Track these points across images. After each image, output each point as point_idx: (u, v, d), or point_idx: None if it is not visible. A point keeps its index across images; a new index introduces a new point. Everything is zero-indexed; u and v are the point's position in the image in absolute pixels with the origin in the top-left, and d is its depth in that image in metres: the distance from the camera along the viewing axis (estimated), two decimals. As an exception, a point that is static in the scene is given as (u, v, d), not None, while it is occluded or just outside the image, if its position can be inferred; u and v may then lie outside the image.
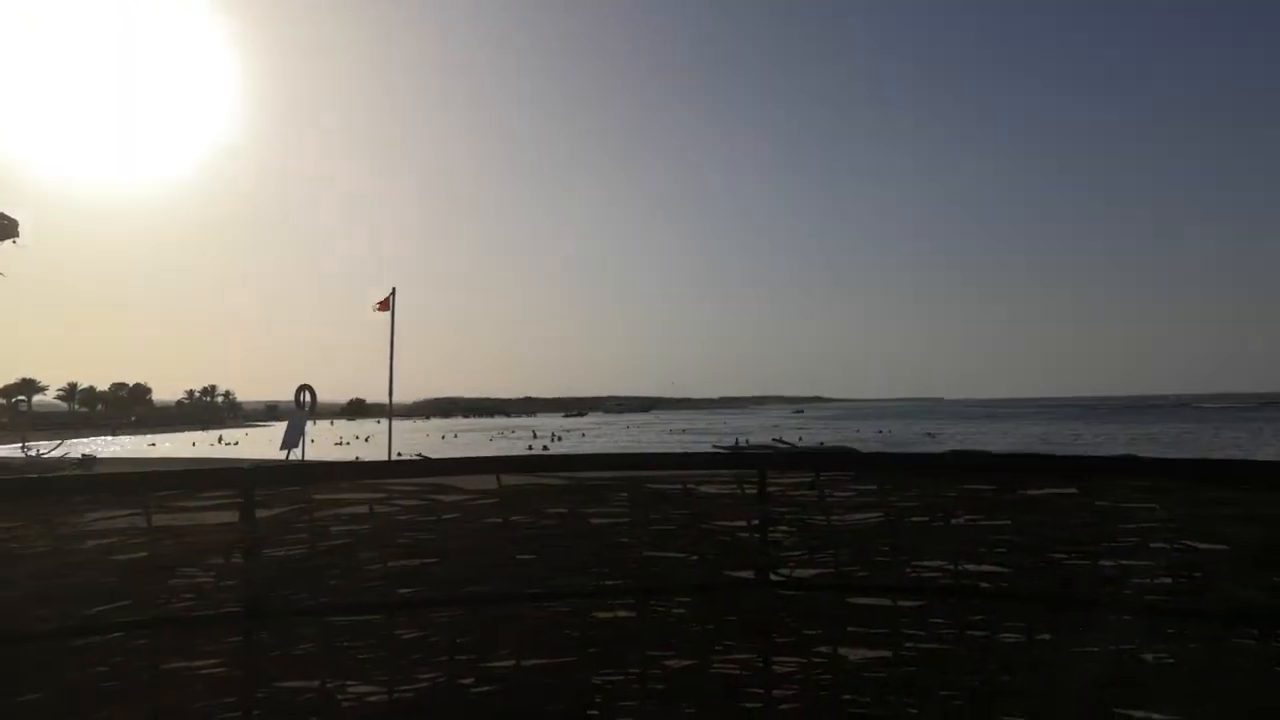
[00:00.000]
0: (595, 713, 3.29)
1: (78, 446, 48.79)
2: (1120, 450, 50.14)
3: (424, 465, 3.42)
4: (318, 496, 3.19)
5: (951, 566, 3.17)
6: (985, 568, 3.15)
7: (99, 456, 36.60)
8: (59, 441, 51.55)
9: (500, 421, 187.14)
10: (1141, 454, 3.51)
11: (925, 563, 3.21)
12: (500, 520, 3.30)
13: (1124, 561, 2.99)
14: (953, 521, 3.20)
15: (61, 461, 30.06)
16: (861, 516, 3.30)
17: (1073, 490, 3.12)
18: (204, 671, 3.01)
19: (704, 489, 3.41)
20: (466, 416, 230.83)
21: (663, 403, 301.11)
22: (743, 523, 3.38)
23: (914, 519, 3.24)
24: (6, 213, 8.28)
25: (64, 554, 2.91)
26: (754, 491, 3.38)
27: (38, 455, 34.92)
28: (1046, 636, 3.07)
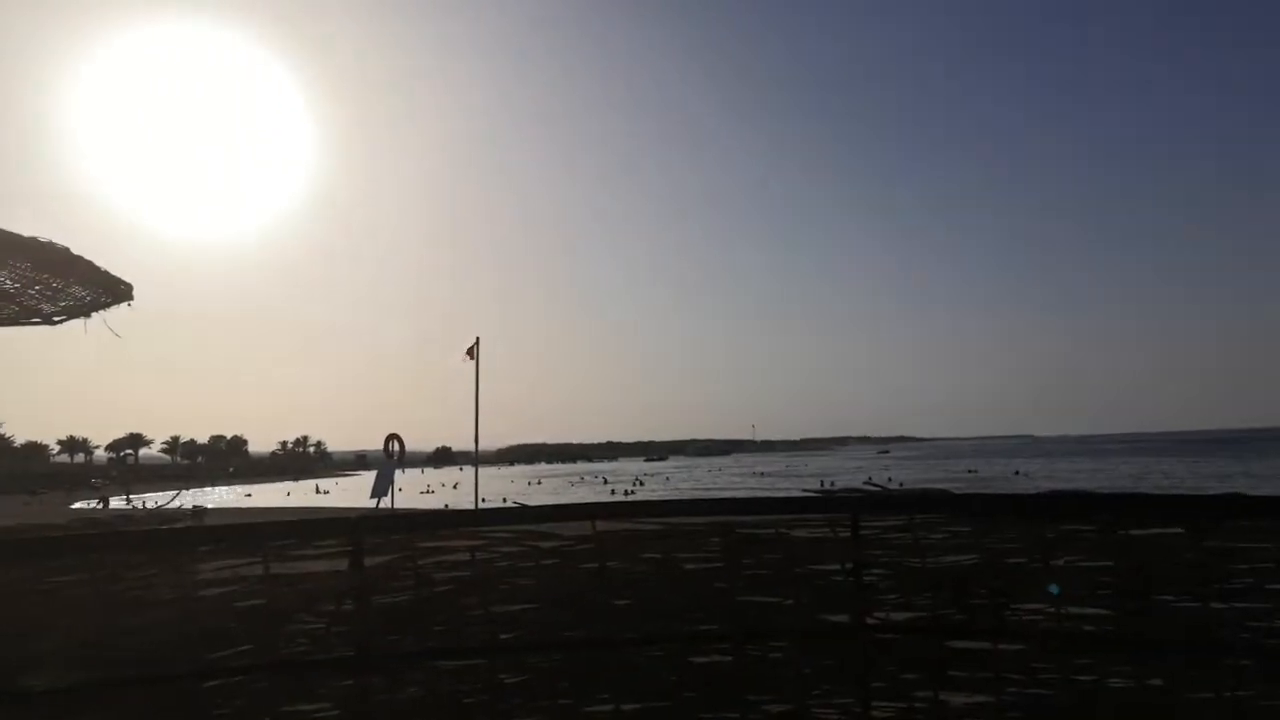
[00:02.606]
0: None
1: (183, 498, 50.78)
2: (1227, 488, 47.72)
3: (522, 512, 3.53)
4: (422, 544, 3.35)
5: (1053, 610, 3.12)
6: (1089, 610, 3.10)
7: (206, 507, 38.34)
8: (175, 493, 54.12)
9: (583, 466, 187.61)
10: (1250, 492, 3.44)
11: (1026, 606, 3.16)
12: (596, 566, 3.38)
13: (1237, 604, 2.95)
14: (1053, 563, 3.16)
15: (178, 513, 30.85)
16: (957, 559, 3.29)
17: (1179, 530, 3.07)
18: (319, 715, 3.16)
19: (796, 533, 3.44)
20: (549, 462, 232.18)
21: (743, 445, 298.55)
22: (836, 566, 3.38)
23: (1012, 561, 3.21)
24: (122, 277, 8.38)
25: (190, 600, 3.12)
26: (847, 535, 3.38)
27: (158, 508, 36.31)
28: (1158, 682, 2.99)
